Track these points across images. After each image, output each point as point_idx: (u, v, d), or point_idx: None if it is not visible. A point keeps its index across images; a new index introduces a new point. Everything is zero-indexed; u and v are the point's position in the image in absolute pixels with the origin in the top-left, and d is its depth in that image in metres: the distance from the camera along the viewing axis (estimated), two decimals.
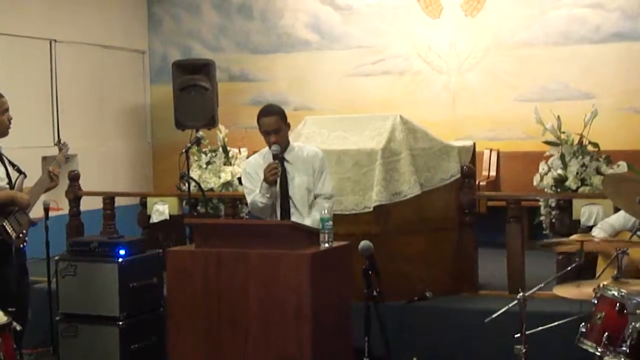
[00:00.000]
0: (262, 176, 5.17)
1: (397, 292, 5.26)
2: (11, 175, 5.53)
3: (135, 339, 5.62)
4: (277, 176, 5.13)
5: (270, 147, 5.21)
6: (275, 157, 5.17)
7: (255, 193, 5.24)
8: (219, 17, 10.28)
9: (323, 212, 4.75)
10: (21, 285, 5.59)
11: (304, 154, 5.33)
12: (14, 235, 5.40)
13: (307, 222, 5.12)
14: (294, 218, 5.17)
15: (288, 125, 5.34)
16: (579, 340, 4.03)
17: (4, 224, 5.36)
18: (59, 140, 6.04)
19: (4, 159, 5.54)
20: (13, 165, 5.60)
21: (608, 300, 3.97)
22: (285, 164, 5.26)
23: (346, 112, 8.89)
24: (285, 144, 5.28)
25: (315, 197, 5.28)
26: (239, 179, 7.70)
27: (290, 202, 5.24)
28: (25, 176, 5.62)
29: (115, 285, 5.54)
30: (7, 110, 5.52)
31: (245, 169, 5.43)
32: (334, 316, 4.65)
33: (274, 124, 5.22)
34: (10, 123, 5.52)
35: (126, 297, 5.56)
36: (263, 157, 5.33)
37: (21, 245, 5.49)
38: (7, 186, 5.47)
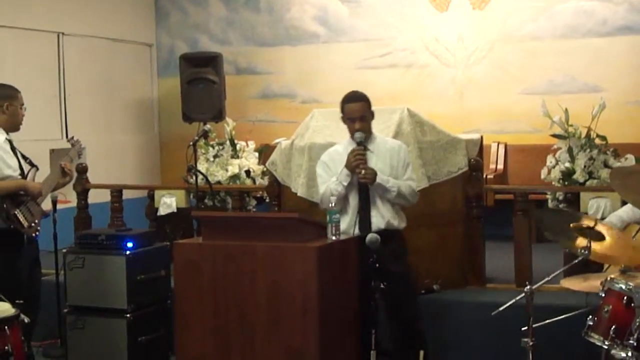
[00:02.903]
0: (340, 165, 4.99)
1: None
2: (24, 167, 5.54)
3: (142, 332, 5.63)
4: (361, 162, 4.89)
5: (352, 136, 5.01)
6: (359, 144, 4.96)
7: (329, 182, 5.03)
8: (226, 10, 10.27)
9: (330, 205, 4.76)
10: (33, 278, 5.60)
11: (387, 144, 5.16)
12: (26, 224, 5.38)
13: (402, 184, 5.01)
14: (372, 208, 4.97)
15: (372, 114, 5.12)
16: (586, 333, 4.03)
17: (16, 212, 5.35)
18: (72, 137, 6.03)
19: (17, 151, 5.55)
20: (25, 158, 5.60)
21: (615, 294, 3.97)
22: (367, 153, 5.01)
23: None
24: (368, 133, 5.07)
25: None
26: (247, 172, 7.70)
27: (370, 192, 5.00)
28: (38, 169, 5.63)
29: (122, 277, 5.54)
30: (22, 105, 5.55)
31: (322, 159, 5.21)
32: (341, 309, 4.66)
33: (360, 110, 5.02)
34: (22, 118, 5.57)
35: (134, 290, 5.56)
36: (344, 147, 5.11)
37: (33, 235, 5.47)
38: (19, 177, 5.47)
